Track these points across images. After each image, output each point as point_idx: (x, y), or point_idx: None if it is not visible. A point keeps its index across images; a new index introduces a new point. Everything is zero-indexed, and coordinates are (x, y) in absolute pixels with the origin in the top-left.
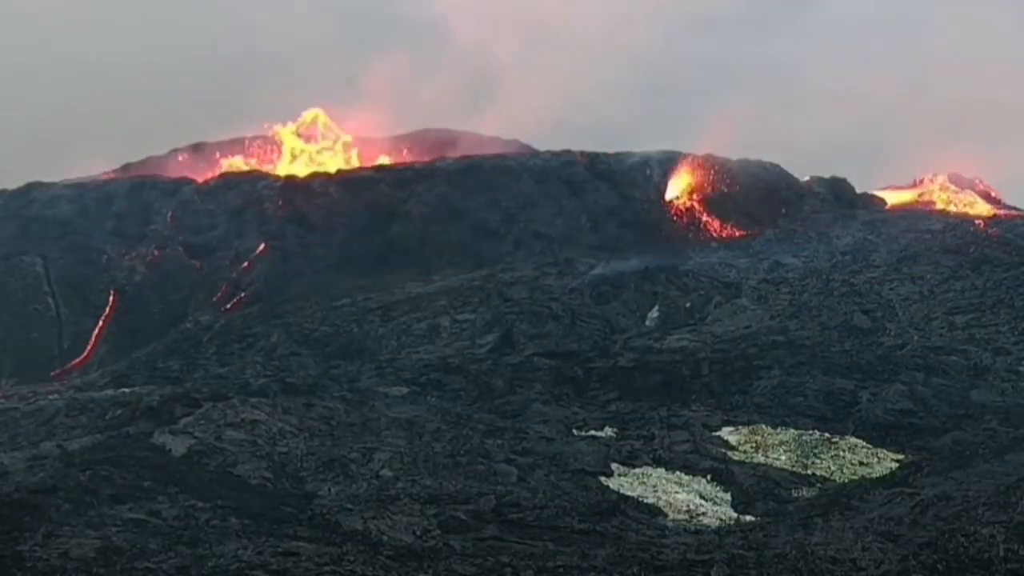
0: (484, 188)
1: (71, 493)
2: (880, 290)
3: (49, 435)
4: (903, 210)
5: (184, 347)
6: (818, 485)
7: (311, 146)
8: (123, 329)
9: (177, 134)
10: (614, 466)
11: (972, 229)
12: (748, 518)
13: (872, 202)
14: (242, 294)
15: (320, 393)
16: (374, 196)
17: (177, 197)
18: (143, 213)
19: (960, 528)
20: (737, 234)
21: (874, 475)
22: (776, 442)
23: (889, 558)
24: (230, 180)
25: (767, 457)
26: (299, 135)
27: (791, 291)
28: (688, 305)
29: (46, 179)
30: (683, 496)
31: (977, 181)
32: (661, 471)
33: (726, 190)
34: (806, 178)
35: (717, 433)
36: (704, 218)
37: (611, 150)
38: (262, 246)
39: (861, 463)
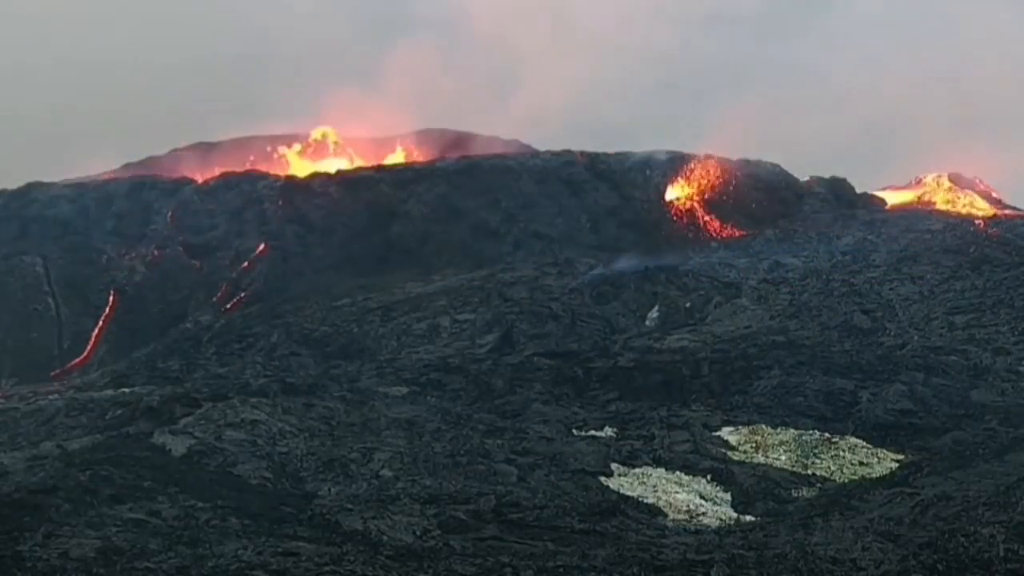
0: (484, 188)
1: (71, 493)
2: (880, 290)
3: (49, 435)
4: (903, 210)
5: (184, 347)
6: (818, 485)
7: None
8: (123, 329)
9: (178, 133)
10: (614, 466)
11: (972, 229)
12: (748, 518)
13: (872, 202)
14: (242, 294)
15: (320, 393)
16: (374, 196)
17: (177, 197)
18: (143, 213)
19: (960, 528)
20: (737, 234)
21: (874, 475)
22: (776, 442)
23: (889, 558)
24: (230, 180)
25: (767, 457)
26: (304, 155)
27: (791, 291)
28: (688, 305)
29: (46, 179)
30: (683, 496)
31: (977, 181)
32: (661, 471)
33: (726, 190)
34: (806, 178)
35: (717, 433)
36: (704, 218)
37: (618, 150)
38: (262, 246)
39: (861, 463)
